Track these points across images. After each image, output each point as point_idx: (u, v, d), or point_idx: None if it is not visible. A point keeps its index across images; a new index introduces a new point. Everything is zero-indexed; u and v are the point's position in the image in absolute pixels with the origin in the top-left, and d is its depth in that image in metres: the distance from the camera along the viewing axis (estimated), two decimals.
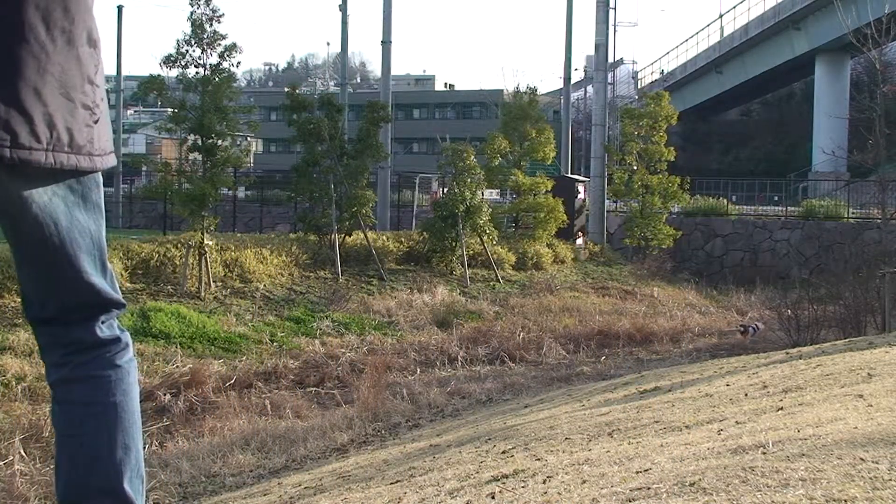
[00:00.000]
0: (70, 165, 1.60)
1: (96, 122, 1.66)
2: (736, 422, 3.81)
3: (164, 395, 9.82)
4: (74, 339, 1.73)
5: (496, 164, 22.07)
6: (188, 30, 14.57)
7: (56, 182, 1.63)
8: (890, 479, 2.14)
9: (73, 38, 1.60)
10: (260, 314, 14.05)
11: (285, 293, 15.33)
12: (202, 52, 14.63)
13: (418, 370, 12.32)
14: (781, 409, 4.00)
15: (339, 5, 27.32)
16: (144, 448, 8.20)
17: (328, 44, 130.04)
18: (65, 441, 1.71)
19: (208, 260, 14.42)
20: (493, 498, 3.00)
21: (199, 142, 14.89)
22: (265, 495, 5.54)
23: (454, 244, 18.96)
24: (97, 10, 1.68)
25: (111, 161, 1.71)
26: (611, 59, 34.70)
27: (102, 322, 1.76)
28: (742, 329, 14.78)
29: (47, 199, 1.62)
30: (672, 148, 25.87)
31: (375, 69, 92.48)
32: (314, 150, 17.78)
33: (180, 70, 14.70)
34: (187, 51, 14.58)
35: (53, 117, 1.56)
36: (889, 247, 20.10)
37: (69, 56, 1.59)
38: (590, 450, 3.74)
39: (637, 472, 2.79)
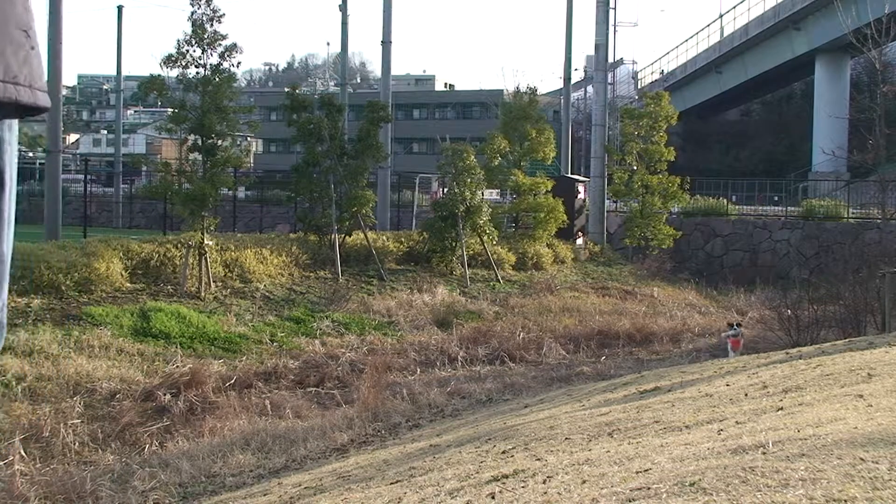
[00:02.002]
0: (7, 98, 1.21)
1: (33, 48, 1.27)
2: (736, 422, 3.80)
3: (164, 395, 9.81)
4: None
5: (496, 164, 22.06)
6: (188, 30, 14.57)
7: None
8: (890, 479, 2.14)
9: None
10: (260, 314, 14.04)
11: (285, 293, 15.32)
12: (202, 53, 14.63)
13: (418, 370, 12.32)
14: (781, 409, 4.00)
15: (339, 5, 27.34)
16: (144, 448, 8.20)
17: (328, 44, 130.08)
18: None
19: (208, 260, 14.42)
20: (493, 498, 3.00)
21: (200, 142, 14.88)
22: (265, 495, 5.54)
23: (454, 244, 18.96)
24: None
25: (48, 100, 1.29)
26: (611, 59, 34.73)
27: None
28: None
29: None
30: (672, 148, 25.88)
31: (375, 69, 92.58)
32: (314, 150, 17.77)
33: (180, 70, 14.68)
34: (188, 51, 14.57)
35: None
36: (889, 247, 20.10)
37: None
38: (590, 450, 3.74)
39: (637, 472, 2.79)
